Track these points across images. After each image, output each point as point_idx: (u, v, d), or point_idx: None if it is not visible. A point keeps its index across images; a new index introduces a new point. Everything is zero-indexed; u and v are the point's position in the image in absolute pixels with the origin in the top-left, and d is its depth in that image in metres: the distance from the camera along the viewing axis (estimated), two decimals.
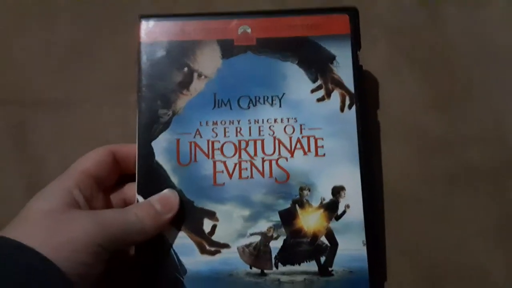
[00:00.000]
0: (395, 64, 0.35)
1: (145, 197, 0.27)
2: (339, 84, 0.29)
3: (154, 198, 0.27)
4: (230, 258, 0.27)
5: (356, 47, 0.30)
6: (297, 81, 0.30)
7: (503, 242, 0.31)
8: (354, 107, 0.29)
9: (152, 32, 0.30)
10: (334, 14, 0.30)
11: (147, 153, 0.28)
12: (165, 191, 0.27)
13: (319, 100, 0.29)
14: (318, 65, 0.30)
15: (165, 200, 0.27)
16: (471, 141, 0.33)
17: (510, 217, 0.32)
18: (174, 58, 0.30)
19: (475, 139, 0.33)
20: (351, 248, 0.27)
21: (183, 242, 0.27)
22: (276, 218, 0.27)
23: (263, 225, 0.27)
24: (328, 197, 0.28)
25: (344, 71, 0.30)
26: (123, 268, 0.27)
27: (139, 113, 0.29)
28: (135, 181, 0.28)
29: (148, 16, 0.30)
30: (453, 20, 0.36)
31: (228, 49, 0.30)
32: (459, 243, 0.32)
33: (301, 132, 0.29)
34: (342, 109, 0.29)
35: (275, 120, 0.29)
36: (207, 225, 0.27)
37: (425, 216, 0.32)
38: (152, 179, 0.28)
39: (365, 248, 0.26)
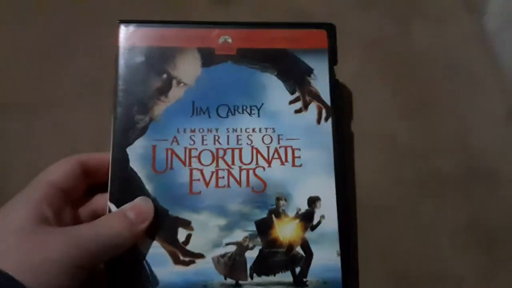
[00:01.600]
0: (366, 75, 0.35)
1: (117, 206, 0.25)
2: (316, 97, 0.29)
3: (127, 207, 0.25)
4: (205, 269, 0.25)
5: (332, 61, 0.30)
6: (276, 92, 0.29)
7: (470, 246, 0.31)
8: (330, 120, 0.28)
9: (131, 37, 0.28)
10: (312, 29, 0.30)
11: (121, 159, 0.26)
12: (138, 199, 0.25)
13: (296, 111, 0.29)
14: (296, 78, 0.29)
15: (139, 209, 0.25)
16: (438, 150, 0.33)
17: (477, 222, 0.32)
18: (153, 64, 0.28)
19: (442, 147, 0.33)
20: (326, 258, 0.26)
21: (155, 252, 0.25)
22: (252, 228, 0.26)
23: (239, 235, 0.26)
24: (304, 207, 0.27)
25: (321, 84, 0.29)
26: (91, 280, 0.24)
27: (115, 118, 0.27)
28: (104, 192, 0.26)
29: (127, 21, 0.29)
30: (419, 34, 0.36)
31: (209, 57, 0.29)
32: (429, 249, 0.31)
33: (278, 142, 0.28)
34: (318, 121, 0.28)
35: (253, 130, 0.28)
36: (181, 234, 0.25)
37: (395, 223, 0.31)
38: (126, 187, 0.26)
39: (339, 258, 0.26)
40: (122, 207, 0.25)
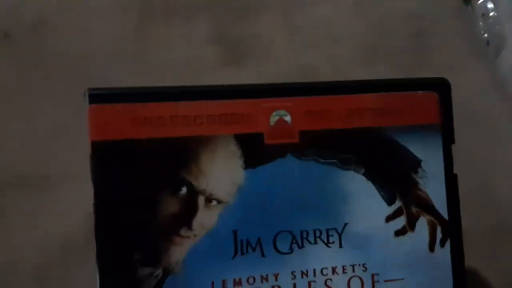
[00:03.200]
0: None
1: None
2: (427, 207, 0.18)
3: None
4: None
5: (449, 143, 0.18)
6: (366, 203, 0.17)
7: None
8: (448, 243, 0.18)
9: (110, 122, 0.15)
10: (416, 92, 0.18)
11: None
12: None
13: (398, 233, 0.17)
14: (396, 176, 0.18)
15: None
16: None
17: (504, 283, 0.27)
18: (163, 170, 0.16)
19: (463, 203, 0.28)
20: None
21: None
22: None
23: None
24: None
25: (433, 184, 0.18)
26: None
27: (101, 278, 0.15)
28: None
29: (97, 93, 0.16)
30: None
31: (255, 150, 0.16)
32: None
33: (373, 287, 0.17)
34: (431, 248, 0.18)
35: (333, 271, 0.17)
36: None
37: None
38: None
39: None
40: None
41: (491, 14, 0.33)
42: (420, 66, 0.33)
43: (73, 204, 0.25)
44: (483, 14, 0.33)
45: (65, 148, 0.27)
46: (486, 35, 0.33)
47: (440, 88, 0.18)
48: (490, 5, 0.33)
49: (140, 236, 0.15)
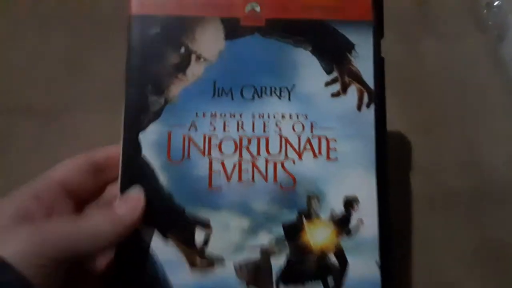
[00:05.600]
0: None
1: None
2: (357, 78, 0.23)
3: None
4: (225, 276, 0.21)
5: (379, 36, 0.23)
6: (310, 72, 0.23)
7: (479, 264, 0.29)
8: (373, 106, 0.22)
9: (145, 4, 0.23)
10: None
11: (133, 146, 0.21)
12: (130, 190, 0.21)
13: (333, 95, 0.23)
14: (334, 54, 0.23)
15: (128, 201, 0.20)
16: (447, 167, 0.31)
17: (486, 240, 0.29)
18: (169, 36, 0.22)
19: (451, 164, 0.31)
20: (363, 268, 0.21)
21: (170, 255, 0.21)
22: (280, 231, 0.21)
23: (264, 239, 0.21)
24: (339, 209, 0.21)
25: (363, 63, 0.23)
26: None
27: (126, 100, 0.22)
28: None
29: None
30: (429, 53, 0.33)
31: (233, 29, 0.23)
32: (436, 266, 0.29)
33: (311, 131, 0.22)
34: (359, 108, 0.22)
35: (282, 116, 0.22)
36: (199, 235, 0.21)
37: (404, 240, 0.29)
38: (137, 178, 0.21)
39: (378, 269, 0.21)
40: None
41: (495, 3, 0.34)
42: (424, 33, 0.34)
43: (77, 134, 0.30)
44: (487, 4, 0.34)
45: (74, 80, 0.31)
46: (490, 23, 0.34)
47: None
48: None
49: (152, 75, 0.22)
